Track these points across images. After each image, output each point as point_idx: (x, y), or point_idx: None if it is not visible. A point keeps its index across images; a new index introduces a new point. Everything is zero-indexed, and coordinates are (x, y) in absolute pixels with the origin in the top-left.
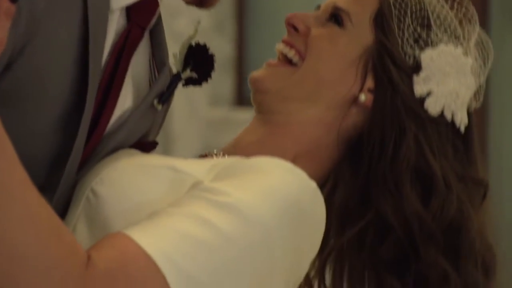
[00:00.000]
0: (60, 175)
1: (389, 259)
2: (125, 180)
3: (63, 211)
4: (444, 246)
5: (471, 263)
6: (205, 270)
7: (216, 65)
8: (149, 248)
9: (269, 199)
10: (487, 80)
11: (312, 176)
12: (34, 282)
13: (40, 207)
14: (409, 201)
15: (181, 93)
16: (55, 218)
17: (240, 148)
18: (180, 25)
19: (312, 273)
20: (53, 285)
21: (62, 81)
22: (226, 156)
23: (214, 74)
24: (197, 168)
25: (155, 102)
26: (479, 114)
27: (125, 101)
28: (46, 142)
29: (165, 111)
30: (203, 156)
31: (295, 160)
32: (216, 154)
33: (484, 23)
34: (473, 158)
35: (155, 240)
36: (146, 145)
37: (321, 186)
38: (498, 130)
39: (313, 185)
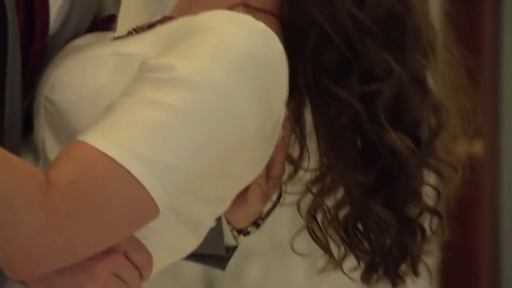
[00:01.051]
0: (3, 92)
1: (332, 67)
2: (74, 80)
3: (28, 126)
4: (387, 40)
5: (418, 52)
6: (171, 152)
7: None
8: (107, 148)
9: (217, 57)
10: (498, 79)
11: (264, 10)
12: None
13: None
14: (338, 4)
15: None
16: None
17: (186, 4)
18: None
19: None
20: (19, 215)
21: None
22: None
23: None
24: (141, 45)
25: None
26: (490, 113)
27: None
28: None
29: None
30: (150, 26)
31: None
32: (162, 21)
33: (496, 21)
34: None
35: (111, 138)
36: (103, 22)
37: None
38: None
39: (261, 26)
